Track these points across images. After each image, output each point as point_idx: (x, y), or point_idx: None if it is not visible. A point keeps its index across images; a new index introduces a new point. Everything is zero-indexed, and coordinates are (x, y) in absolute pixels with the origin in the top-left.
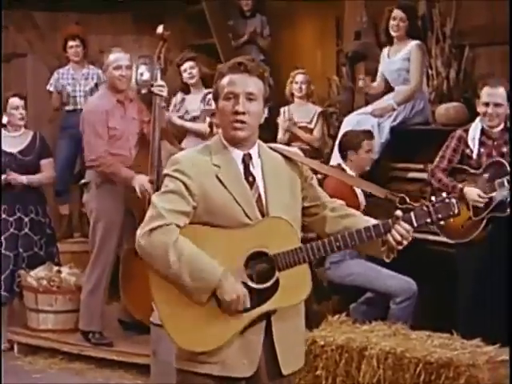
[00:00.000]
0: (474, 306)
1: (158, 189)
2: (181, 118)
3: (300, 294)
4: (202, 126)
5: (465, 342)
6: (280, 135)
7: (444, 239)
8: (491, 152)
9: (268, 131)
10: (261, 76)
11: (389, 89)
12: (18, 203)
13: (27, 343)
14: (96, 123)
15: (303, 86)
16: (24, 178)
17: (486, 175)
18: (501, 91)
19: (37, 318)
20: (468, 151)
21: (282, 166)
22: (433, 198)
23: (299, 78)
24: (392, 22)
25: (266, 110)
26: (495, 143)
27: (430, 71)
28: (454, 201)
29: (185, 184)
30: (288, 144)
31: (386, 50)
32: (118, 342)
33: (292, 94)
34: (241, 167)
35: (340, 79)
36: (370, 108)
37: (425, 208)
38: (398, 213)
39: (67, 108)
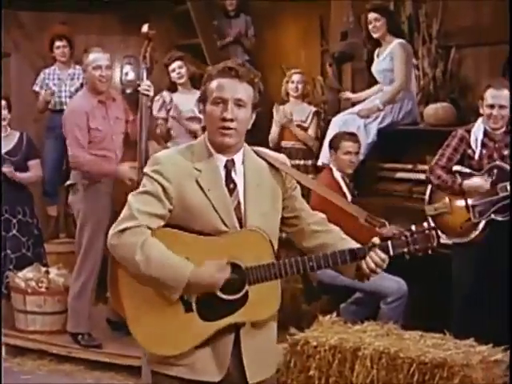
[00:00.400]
0: (468, 306)
1: None
2: (173, 118)
3: (268, 310)
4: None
5: (458, 342)
6: (273, 132)
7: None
8: (492, 154)
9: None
10: (251, 82)
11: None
12: (5, 204)
13: (15, 345)
14: (74, 124)
15: (299, 86)
16: (17, 175)
17: (489, 178)
18: (505, 93)
19: (25, 319)
20: (470, 152)
21: (266, 174)
22: (413, 228)
23: (296, 77)
24: (370, 26)
25: (254, 116)
26: (496, 145)
27: (416, 72)
28: (433, 233)
29: (163, 186)
30: (280, 141)
31: (376, 51)
32: (107, 344)
33: (287, 94)
34: (223, 173)
35: (324, 79)
36: (356, 108)
37: (403, 238)
38: (375, 240)
39: (53, 108)
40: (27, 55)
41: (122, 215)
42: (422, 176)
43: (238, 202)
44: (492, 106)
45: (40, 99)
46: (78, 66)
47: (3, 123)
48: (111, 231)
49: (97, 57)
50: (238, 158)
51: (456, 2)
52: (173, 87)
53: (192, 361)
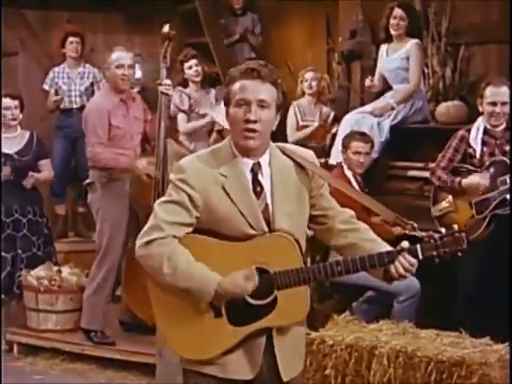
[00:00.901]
0: (474, 304)
1: (163, 186)
2: (201, 116)
3: (297, 315)
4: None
5: (474, 340)
6: (289, 129)
7: None
8: (494, 151)
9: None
10: (274, 82)
11: (386, 87)
12: (15, 204)
13: (27, 343)
14: (96, 123)
15: (313, 83)
16: (37, 175)
17: (488, 174)
18: (504, 90)
19: (37, 317)
20: (471, 151)
21: (292, 173)
22: (443, 230)
23: (308, 75)
24: (392, 21)
25: (278, 117)
26: (497, 142)
27: (426, 70)
28: (463, 235)
29: (189, 195)
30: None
31: (384, 48)
32: (120, 342)
33: (303, 93)
34: (249, 177)
35: (330, 78)
36: (369, 107)
37: (432, 241)
38: (405, 244)
39: (62, 107)
40: (34, 54)
41: (148, 225)
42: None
43: (266, 205)
44: (494, 104)
45: (49, 98)
46: (87, 65)
47: (13, 123)
48: (138, 241)
49: (120, 55)
50: (263, 160)
51: (464, 0)
52: (184, 84)
53: (224, 360)
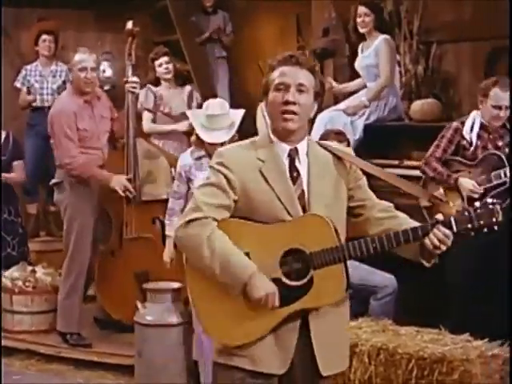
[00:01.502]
0: (464, 300)
1: (135, 186)
2: (167, 115)
3: (334, 295)
4: (182, 125)
5: (454, 336)
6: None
7: None
8: (487, 145)
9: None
10: (311, 69)
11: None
12: None
13: (2, 345)
14: (65, 125)
15: None
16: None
17: (480, 167)
18: (508, 94)
19: (12, 319)
20: (464, 143)
21: (330, 165)
22: (476, 204)
23: None
24: (358, 19)
25: (316, 106)
26: (491, 136)
27: (398, 68)
28: (497, 207)
29: (226, 177)
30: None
31: (360, 46)
32: (96, 343)
33: None
34: (286, 162)
35: None
36: (342, 105)
37: (466, 213)
38: (439, 216)
39: (34, 105)
40: (5, 53)
41: (187, 208)
42: (409, 172)
43: (302, 191)
44: (499, 108)
45: (21, 96)
46: (60, 63)
47: None
48: (178, 223)
49: (82, 58)
50: (301, 147)
51: None
52: (156, 82)
53: (254, 352)
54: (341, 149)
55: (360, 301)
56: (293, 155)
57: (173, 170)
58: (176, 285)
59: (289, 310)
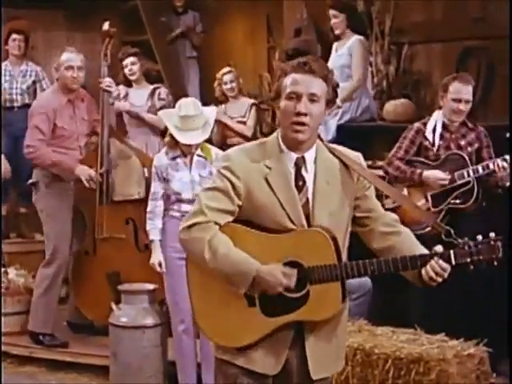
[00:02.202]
0: (433, 300)
1: (107, 186)
2: (127, 113)
3: (328, 310)
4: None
5: (430, 336)
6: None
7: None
8: (449, 145)
9: None
10: (325, 77)
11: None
12: None
13: None
14: (39, 117)
15: (233, 85)
16: None
17: (444, 167)
18: (470, 88)
19: None
20: (426, 143)
21: (337, 173)
22: (479, 237)
23: (227, 77)
24: (331, 22)
25: (327, 112)
26: (453, 136)
27: (370, 68)
28: (499, 244)
29: (232, 183)
30: (223, 141)
31: (334, 45)
32: (69, 344)
33: (224, 95)
34: (292, 170)
35: (271, 76)
36: None
37: (467, 247)
38: (438, 248)
39: (3, 105)
40: None
41: (191, 210)
42: (381, 172)
43: (307, 200)
44: (459, 101)
45: None
46: (30, 63)
47: None
48: (181, 226)
49: (70, 57)
50: (309, 155)
51: (407, 0)
52: (127, 82)
53: (251, 352)
54: (350, 155)
55: None
56: (299, 164)
57: (145, 170)
58: (151, 286)
59: (284, 320)
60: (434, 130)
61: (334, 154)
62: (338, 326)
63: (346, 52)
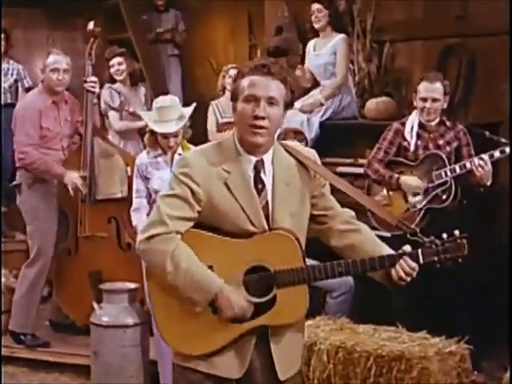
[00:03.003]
0: (414, 298)
1: (90, 186)
2: (132, 114)
3: (295, 314)
4: None
5: (412, 334)
6: (209, 129)
7: (380, 233)
8: (427, 145)
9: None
10: (283, 80)
11: (315, 83)
12: None
13: None
14: (27, 121)
15: None
16: None
17: (422, 167)
18: (437, 86)
19: None
20: (405, 144)
21: (294, 172)
22: (444, 236)
23: (232, 72)
24: (312, 17)
25: (285, 115)
26: (431, 135)
27: (351, 66)
28: (464, 241)
29: (191, 190)
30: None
31: (311, 44)
32: (51, 344)
33: (224, 88)
34: (251, 174)
35: None
36: (297, 104)
37: (433, 246)
38: (406, 248)
39: None
40: None
41: (150, 219)
42: (362, 170)
43: (266, 202)
44: (425, 100)
45: None
46: (11, 61)
47: None
48: (139, 236)
49: (56, 59)
50: (267, 157)
51: None
52: (112, 82)
53: (213, 357)
54: (305, 153)
55: (316, 299)
56: (258, 167)
57: (128, 169)
58: (132, 285)
59: (250, 326)
60: (412, 130)
61: (290, 154)
62: (301, 328)
63: (330, 50)
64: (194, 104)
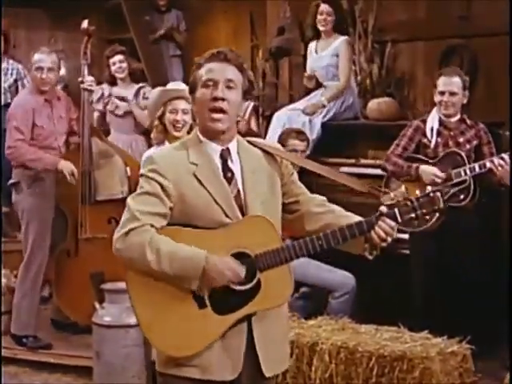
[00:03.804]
0: (424, 297)
1: (90, 186)
2: (111, 112)
3: (282, 295)
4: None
5: (413, 334)
6: None
7: None
8: (447, 142)
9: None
10: (239, 66)
11: (317, 85)
12: None
13: None
14: (18, 118)
15: None
16: None
17: (442, 165)
18: (456, 80)
19: None
20: (425, 141)
21: (262, 162)
22: (417, 192)
23: None
24: (319, 17)
25: (245, 104)
26: (451, 133)
27: (353, 67)
28: (438, 194)
29: (161, 185)
30: None
31: (312, 46)
32: (53, 344)
33: None
34: (219, 163)
35: (254, 75)
36: (300, 105)
37: (409, 203)
38: (382, 209)
39: None
40: None
41: (123, 218)
42: (365, 170)
43: (238, 191)
44: (443, 93)
45: None
46: (11, 61)
47: None
48: (115, 235)
49: (40, 58)
50: (232, 146)
51: None
52: (112, 80)
53: (204, 361)
54: (270, 144)
55: (318, 299)
56: (225, 156)
57: (128, 169)
58: None
59: (237, 316)
60: (432, 128)
61: (253, 145)
62: (283, 322)
63: (333, 52)
64: None
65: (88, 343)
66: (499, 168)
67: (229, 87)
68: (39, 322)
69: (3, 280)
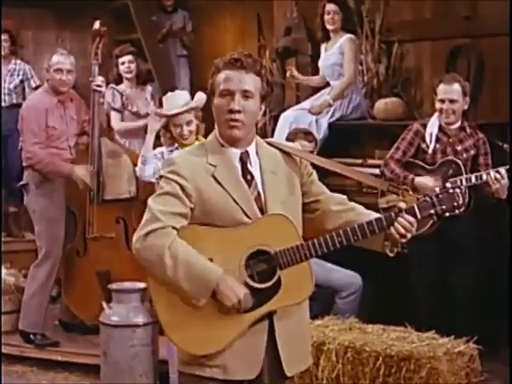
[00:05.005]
0: (425, 298)
1: (98, 185)
2: (135, 114)
3: (303, 293)
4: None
5: (420, 334)
6: None
7: None
8: (445, 149)
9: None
10: (258, 73)
11: (326, 84)
12: None
13: None
14: (33, 121)
15: None
16: None
17: (439, 172)
18: (455, 87)
19: None
20: (424, 146)
21: (281, 163)
22: (437, 189)
23: None
24: (327, 16)
25: (263, 107)
26: (450, 140)
27: (360, 67)
28: (458, 191)
29: (181, 185)
30: None
31: (323, 46)
32: (61, 343)
33: None
34: (238, 166)
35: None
36: (306, 104)
37: (428, 199)
38: (401, 205)
39: None
40: None
41: (144, 219)
42: (372, 170)
43: (258, 193)
44: (442, 101)
45: None
46: (18, 61)
47: None
48: (135, 236)
49: (59, 60)
50: (251, 149)
51: None
52: (118, 80)
53: (225, 361)
54: (289, 144)
55: (324, 299)
56: (244, 159)
57: (136, 168)
58: (142, 285)
59: (258, 313)
60: (431, 133)
61: (272, 146)
62: (305, 319)
63: (337, 51)
64: (200, 92)
65: (95, 343)
66: (495, 181)
67: (245, 97)
68: (47, 321)
69: (11, 279)
